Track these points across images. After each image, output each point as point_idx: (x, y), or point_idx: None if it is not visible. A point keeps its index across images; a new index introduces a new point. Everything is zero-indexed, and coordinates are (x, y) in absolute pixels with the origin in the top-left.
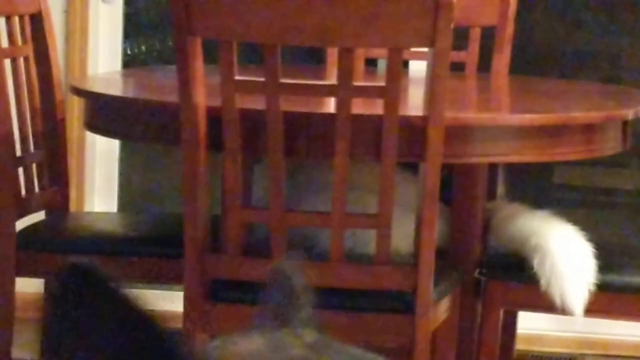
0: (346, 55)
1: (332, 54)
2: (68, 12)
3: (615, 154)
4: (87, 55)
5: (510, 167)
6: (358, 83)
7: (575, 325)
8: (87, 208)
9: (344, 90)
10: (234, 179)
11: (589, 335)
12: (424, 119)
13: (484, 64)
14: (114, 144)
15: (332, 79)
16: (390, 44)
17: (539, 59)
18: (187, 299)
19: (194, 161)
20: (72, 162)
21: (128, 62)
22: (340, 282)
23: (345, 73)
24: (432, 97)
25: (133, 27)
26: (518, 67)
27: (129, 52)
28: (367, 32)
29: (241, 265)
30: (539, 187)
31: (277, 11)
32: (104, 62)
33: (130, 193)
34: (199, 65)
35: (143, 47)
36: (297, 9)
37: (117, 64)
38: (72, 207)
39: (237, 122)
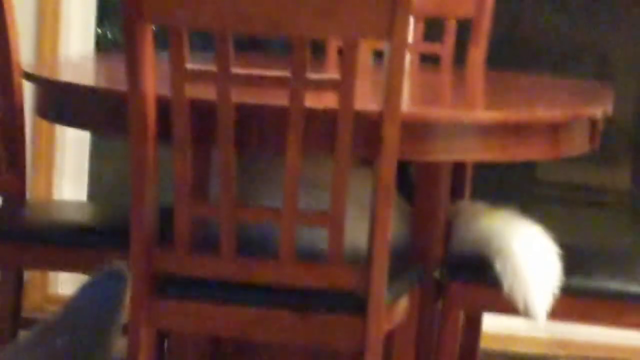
0: (301, 46)
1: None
2: None
3: (598, 152)
4: (59, 38)
5: (492, 164)
6: (313, 75)
7: (548, 326)
8: (56, 196)
9: (297, 83)
10: (183, 172)
11: (563, 336)
12: (380, 114)
13: (464, 57)
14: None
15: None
16: (345, 36)
17: (524, 52)
18: (132, 294)
19: (141, 152)
20: (41, 150)
21: (107, 46)
22: (289, 280)
23: (298, 65)
24: (388, 92)
25: (113, 10)
26: (503, 60)
27: (109, 36)
28: (322, 23)
29: (189, 261)
30: (521, 184)
31: None
32: (76, 45)
33: (103, 181)
34: (148, 52)
35: None
36: None
37: (90, 47)
38: (41, 196)
39: (187, 113)
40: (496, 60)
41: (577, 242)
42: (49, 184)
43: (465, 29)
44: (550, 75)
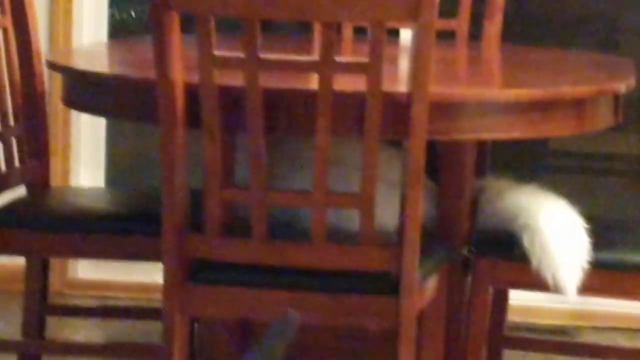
0: (327, 29)
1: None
2: None
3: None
4: (72, 23)
5: None
6: (341, 58)
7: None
8: (73, 182)
9: (326, 66)
10: (213, 157)
11: (583, 307)
12: (408, 95)
13: (477, 31)
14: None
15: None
16: (372, 18)
17: (534, 24)
18: (166, 280)
19: (171, 139)
20: (57, 135)
21: (116, 29)
22: (322, 262)
23: (327, 48)
24: (416, 73)
25: None
26: (513, 33)
27: (117, 17)
28: (348, 6)
29: (221, 246)
30: (535, 154)
31: None
32: (89, 30)
33: (120, 166)
34: (176, 40)
35: (132, 13)
36: None
37: (103, 33)
38: (58, 181)
39: (215, 99)
40: (505, 32)
41: (597, 214)
42: (65, 170)
43: (478, 2)
44: (560, 46)
